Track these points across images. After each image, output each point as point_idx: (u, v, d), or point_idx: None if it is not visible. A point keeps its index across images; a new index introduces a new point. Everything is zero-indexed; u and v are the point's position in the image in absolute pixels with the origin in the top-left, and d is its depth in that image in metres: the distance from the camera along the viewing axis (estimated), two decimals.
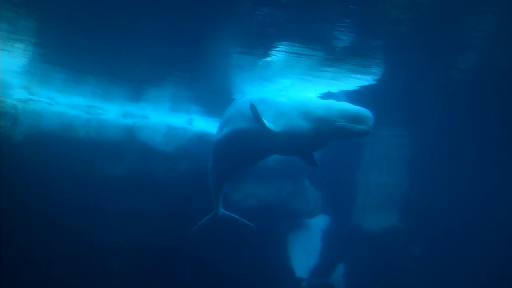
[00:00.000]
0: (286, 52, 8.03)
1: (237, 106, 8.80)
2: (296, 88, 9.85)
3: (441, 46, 7.45)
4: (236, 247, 11.92)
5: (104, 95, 11.66)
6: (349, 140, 7.95)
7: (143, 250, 11.41)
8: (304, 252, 14.40)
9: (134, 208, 11.35)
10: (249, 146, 8.26)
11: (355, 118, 7.20)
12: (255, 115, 7.54)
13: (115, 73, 10.34)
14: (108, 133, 11.13)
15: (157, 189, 11.27)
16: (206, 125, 12.50)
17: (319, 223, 14.87)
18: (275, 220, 12.76)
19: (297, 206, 13.05)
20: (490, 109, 10.62)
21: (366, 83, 9.22)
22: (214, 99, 11.39)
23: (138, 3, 7.04)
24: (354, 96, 9.58)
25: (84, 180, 10.99)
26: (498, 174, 15.82)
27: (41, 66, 10.27)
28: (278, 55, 8.23)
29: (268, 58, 8.46)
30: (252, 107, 7.53)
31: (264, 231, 12.45)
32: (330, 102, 7.67)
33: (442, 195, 16.14)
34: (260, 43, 7.78)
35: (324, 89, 9.75)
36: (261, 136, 7.77)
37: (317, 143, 7.78)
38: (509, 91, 9.29)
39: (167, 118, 12.23)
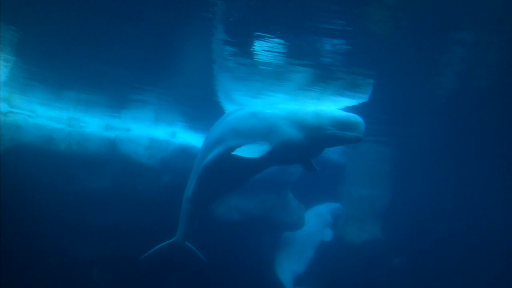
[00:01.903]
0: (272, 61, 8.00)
1: (227, 124, 8.28)
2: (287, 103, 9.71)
3: (426, 55, 7.49)
4: (219, 259, 11.83)
5: (86, 108, 11.59)
6: (342, 145, 7.86)
7: (124, 263, 11.27)
8: (289, 263, 14.37)
9: (116, 222, 11.22)
10: (245, 163, 7.88)
11: (346, 126, 7.15)
12: (243, 156, 7.28)
13: (96, 85, 10.30)
14: (89, 145, 11.04)
15: (139, 203, 11.15)
16: (189, 137, 12.45)
17: (303, 234, 14.87)
18: (258, 233, 12.71)
19: (281, 218, 12.99)
20: (472, 122, 10.73)
21: (354, 102, 9.25)
22: (199, 111, 11.36)
23: (118, 14, 7.03)
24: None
25: (65, 193, 10.89)
26: (480, 185, 15.97)
27: (22, 78, 10.20)
28: (262, 60, 8.15)
29: (252, 63, 8.36)
30: (236, 156, 7.27)
31: (248, 244, 12.42)
32: (320, 109, 7.62)
33: (425, 208, 16.25)
34: (241, 43, 7.62)
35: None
36: None
37: (312, 150, 7.72)
38: (492, 103, 9.38)
39: (150, 131, 12.15)
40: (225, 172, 8.34)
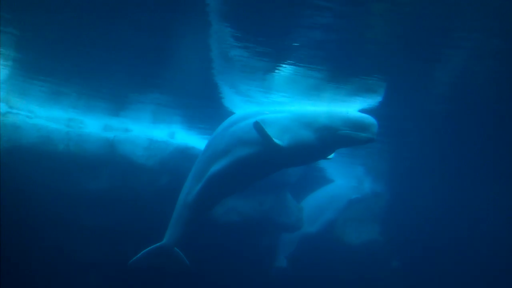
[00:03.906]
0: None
1: (233, 134, 8.12)
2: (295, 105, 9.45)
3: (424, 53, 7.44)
4: (217, 262, 11.85)
5: (84, 108, 11.57)
6: (355, 147, 7.76)
7: (121, 265, 11.24)
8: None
9: (114, 223, 11.20)
10: (255, 170, 7.97)
11: (358, 126, 7.09)
12: (262, 133, 7.23)
13: (95, 86, 10.28)
14: (88, 146, 11.04)
15: (137, 204, 11.13)
16: (188, 138, 12.42)
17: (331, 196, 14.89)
18: (257, 235, 12.71)
19: (279, 220, 12.98)
20: (471, 124, 10.72)
21: (364, 104, 9.19)
22: (198, 112, 11.33)
23: (114, 13, 7.00)
24: None
25: (63, 194, 10.87)
26: (480, 188, 15.97)
27: (20, 78, 10.18)
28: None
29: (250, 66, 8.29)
30: (257, 125, 7.21)
31: (246, 245, 12.41)
32: (332, 109, 7.57)
33: (424, 210, 16.26)
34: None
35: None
36: (268, 156, 7.51)
37: (324, 151, 7.66)
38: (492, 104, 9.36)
39: (149, 132, 12.13)
40: (233, 180, 8.29)
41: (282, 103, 9.45)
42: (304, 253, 14.50)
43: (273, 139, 7.27)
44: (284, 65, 7.91)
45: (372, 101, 9.01)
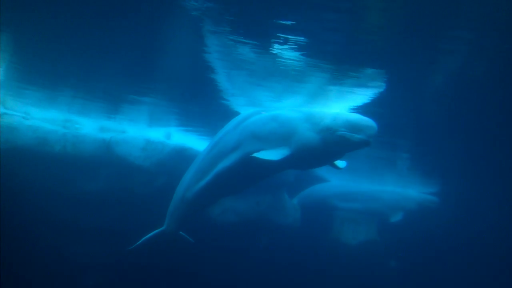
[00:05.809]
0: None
1: (245, 129, 8.07)
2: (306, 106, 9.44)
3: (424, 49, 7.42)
4: (215, 262, 11.86)
5: (80, 109, 11.56)
6: (353, 150, 7.53)
7: (118, 266, 11.27)
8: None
9: (110, 224, 11.22)
10: (265, 168, 7.88)
11: (355, 127, 7.05)
12: (263, 160, 7.27)
13: (91, 87, 10.27)
14: (84, 147, 11.04)
15: (134, 205, 11.15)
16: (185, 139, 12.43)
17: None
18: (254, 235, 12.72)
19: (276, 220, 13.01)
20: (470, 123, 10.72)
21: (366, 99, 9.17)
22: (195, 113, 11.33)
23: (111, 13, 7.00)
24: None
25: (59, 196, 10.88)
26: (479, 187, 15.98)
27: (16, 80, 10.17)
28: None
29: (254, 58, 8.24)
30: (254, 158, 7.29)
31: (244, 245, 12.43)
32: (339, 112, 7.56)
33: (422, 209, 16.25)
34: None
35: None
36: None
37: (329, 153, 7.57)
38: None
39: (145, 133, 12.13)
40: (240, 177, 8.24)
41: (284, 104, 9.49)
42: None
43: (277, 157, 7.29)
44: (284, 61, 7.93)
45: (373, 94, 8.99)
